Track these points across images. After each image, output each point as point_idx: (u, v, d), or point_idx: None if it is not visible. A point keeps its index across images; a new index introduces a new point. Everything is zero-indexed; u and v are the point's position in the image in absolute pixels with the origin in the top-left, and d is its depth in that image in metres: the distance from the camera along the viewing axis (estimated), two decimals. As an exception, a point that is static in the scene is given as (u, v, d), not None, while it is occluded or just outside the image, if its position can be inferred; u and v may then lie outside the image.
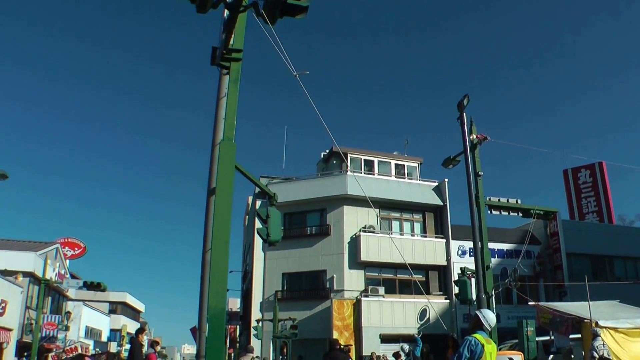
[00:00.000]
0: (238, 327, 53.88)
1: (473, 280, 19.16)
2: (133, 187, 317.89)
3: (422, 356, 20.56)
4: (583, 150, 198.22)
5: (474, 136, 19.93)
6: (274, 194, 11.33)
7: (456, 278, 37.63)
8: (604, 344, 16.71)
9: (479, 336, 8.12)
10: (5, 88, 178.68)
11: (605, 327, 18.83)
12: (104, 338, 77.07)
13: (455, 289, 37.22)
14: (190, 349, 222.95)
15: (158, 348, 17.48)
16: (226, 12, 9.61)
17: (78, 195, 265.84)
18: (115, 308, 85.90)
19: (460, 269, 21.77)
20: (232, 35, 9.65)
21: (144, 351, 16.40)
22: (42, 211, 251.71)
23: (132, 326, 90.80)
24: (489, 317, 8.42)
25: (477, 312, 8.59)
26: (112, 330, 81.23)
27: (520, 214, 21.91)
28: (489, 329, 8.44)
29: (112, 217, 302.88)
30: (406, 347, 26.05)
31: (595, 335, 16.88)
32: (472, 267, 18.33)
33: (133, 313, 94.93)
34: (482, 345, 7.92)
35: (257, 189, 41.80)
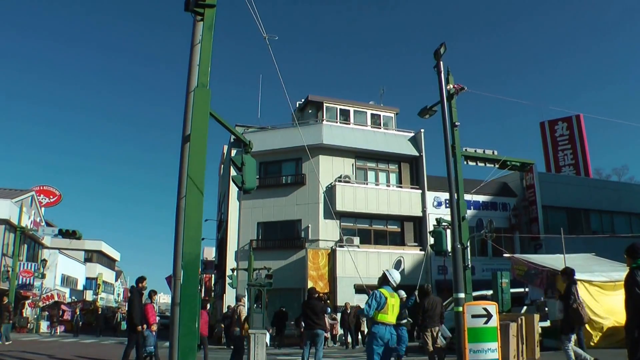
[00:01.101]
0: (213, 275, 54.20)
1: (448, 231, 19.28)
2: (108, 135, 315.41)
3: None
4: (560, 102, 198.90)
5: (451, 86, 19.86)
6: (249, 141, 11.35)
7: (431, 229, 38.12)
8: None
9: (384, 290, 10.18)
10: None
11: (580, 280, 19.03)
12: (79, 286, 77.50)
13: (431, 240, 37.64)
14: (165, 298, 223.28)
15: (155, 298, 17.49)
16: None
17: (52, 142, 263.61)
18: (91, 256, 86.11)
19: (436, 219, 21.81)
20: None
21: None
22: (15, 158, 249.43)
23: (107, 274, 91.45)
24: (394, 275, 10.55)
25: (385, 271, 10.70)
26: (87, 279, 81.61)
27: (497, 165, 21.99)
28: (395, 285, 10.46)
29: (87, 165, 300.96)
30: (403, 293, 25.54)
31: (570, 288, 17.05)
32: (448, 218, 18.45)
33: (108, 261, 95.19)
34: (386, 297, 9.97)
35: (233, 138, 41.73)
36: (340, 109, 41.46)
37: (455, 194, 18.29)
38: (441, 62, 17.13)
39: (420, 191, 40.28)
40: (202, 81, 9.29)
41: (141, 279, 16.49)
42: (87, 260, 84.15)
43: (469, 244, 19.21)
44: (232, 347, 18.56)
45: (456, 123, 19.84)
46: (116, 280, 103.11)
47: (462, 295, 14.74)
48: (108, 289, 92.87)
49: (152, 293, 16.99)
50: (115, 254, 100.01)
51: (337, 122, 40.67)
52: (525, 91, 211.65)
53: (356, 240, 36.98)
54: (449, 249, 17.91)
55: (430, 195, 40.08)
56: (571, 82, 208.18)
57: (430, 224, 38.02)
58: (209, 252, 72.48)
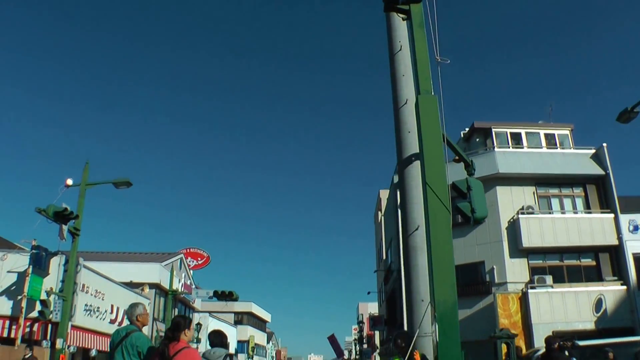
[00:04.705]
0: (383, 332, 53.21)
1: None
2: (253, 195, 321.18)
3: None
4: None
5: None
6: (471, 161, 10.10)
7: (630, 259, 35.55)
8: None
9: None
10: (132, 101, 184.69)
11: None
12: (231, 350, 77.74)
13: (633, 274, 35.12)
14: (316, 358, 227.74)
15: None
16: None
17: (202, 205, 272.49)
18: (241, 318, 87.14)
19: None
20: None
21: None
22: (165, 223, 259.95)
23: (259, 337, 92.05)
24: None
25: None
26: (239, 342, 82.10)
27: None
28: None
29: (235, 226, 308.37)
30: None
31: None
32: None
33: (259, 323, 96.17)
34: None
35: (395, 180, 40.77)
36: (510, 133, 39.35)
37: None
38: None
39: (612, 215, 37.12)
40: (424, 87, 8.06)
41: None
42: (237, 322, 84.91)
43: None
44: None
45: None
46: (268, 342, 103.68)
47: None
48: (260, 352, 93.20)
49: None
50: (266, 315, 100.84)
51: (509, 148, 38.78)
52: None
53: (548, 279, 34.59)
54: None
55: (624, 219, 37.03)
56: None
57: (630, 253, 35.45)
58: (372, 308, 72.04)
